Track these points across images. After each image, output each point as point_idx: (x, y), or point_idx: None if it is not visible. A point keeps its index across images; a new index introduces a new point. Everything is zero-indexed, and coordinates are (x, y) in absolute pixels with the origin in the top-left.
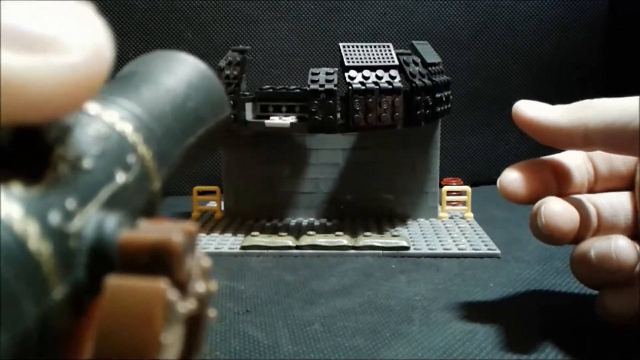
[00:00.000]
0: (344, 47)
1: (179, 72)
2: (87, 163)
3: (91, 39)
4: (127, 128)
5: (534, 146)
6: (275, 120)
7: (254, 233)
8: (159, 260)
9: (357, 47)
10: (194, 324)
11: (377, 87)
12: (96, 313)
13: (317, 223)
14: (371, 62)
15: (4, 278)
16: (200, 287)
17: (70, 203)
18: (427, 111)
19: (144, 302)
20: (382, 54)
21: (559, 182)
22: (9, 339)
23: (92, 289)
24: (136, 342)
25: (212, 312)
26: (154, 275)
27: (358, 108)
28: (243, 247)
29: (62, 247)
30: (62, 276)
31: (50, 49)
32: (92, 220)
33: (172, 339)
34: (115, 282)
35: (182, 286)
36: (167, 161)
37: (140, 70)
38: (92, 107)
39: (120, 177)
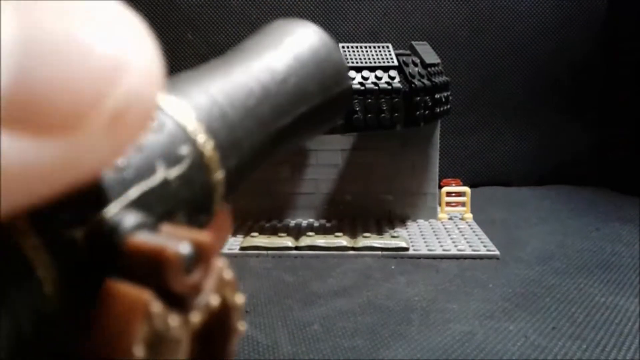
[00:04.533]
0: (343, 47)
1: (287, 43)
2: (120, 161)
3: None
4: (188, 117)
5: (532, 147)
6: None
7: (253, 234)
8: (154, 270)
9: (357, 47)
10: (218, 338)
11: (376, 87)
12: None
13: (316, 224)
14: (370, 62)
15: None
16: (214, 300)
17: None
18: (427, 112)
19: (126, 311)
20: (381, 55)
21: None
22: None
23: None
24: (112, 350)
25: (242, 325)
26: (152, 283)
27: (357, 109)
28: (242, 248)
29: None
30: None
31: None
32: (110, 220)
33: (153, 354)
34: (110, 285)
35: (181, 299)
36: (241, 147)
37: (248, 46)
38: (162, 98)
39: (162, 173)
